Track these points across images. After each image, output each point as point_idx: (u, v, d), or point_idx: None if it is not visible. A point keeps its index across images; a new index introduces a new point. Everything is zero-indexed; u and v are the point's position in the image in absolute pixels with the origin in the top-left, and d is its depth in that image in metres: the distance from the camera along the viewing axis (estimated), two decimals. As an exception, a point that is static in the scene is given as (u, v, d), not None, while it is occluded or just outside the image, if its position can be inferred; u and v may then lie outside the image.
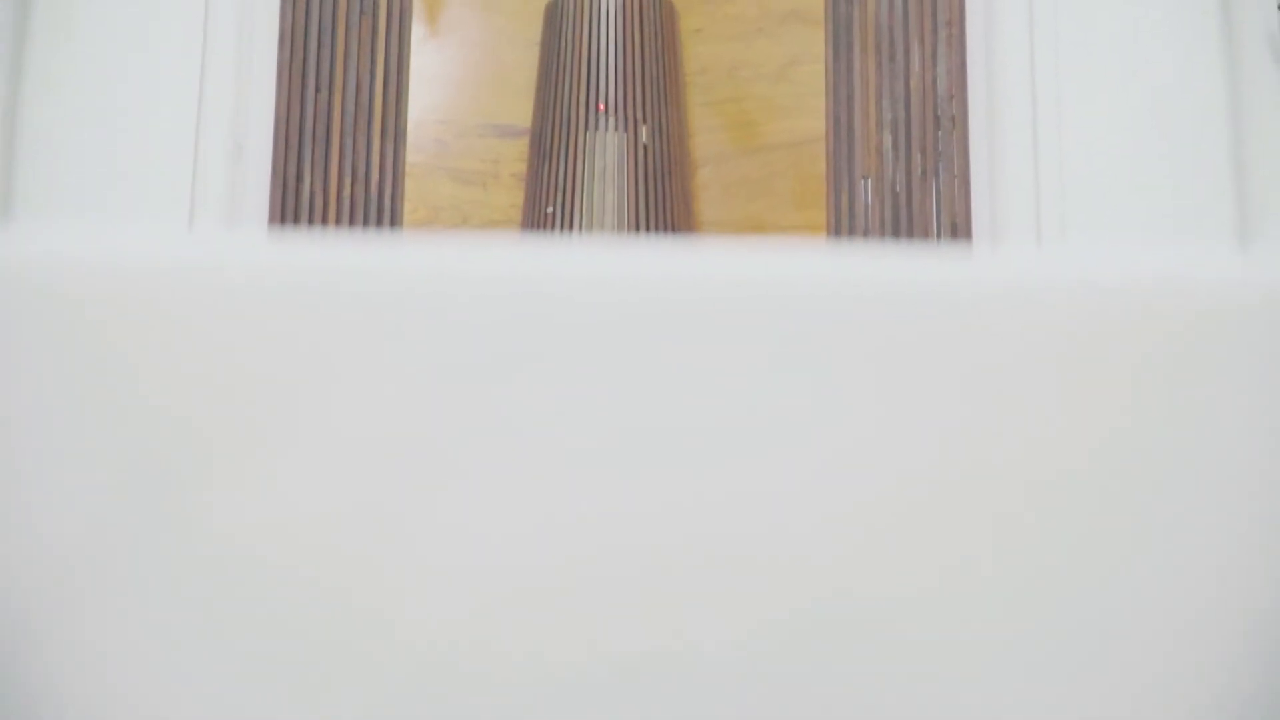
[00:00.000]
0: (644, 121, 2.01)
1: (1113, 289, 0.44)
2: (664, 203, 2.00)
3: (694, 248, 0.43)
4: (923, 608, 0.43)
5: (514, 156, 2.13)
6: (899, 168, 1.97)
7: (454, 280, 0.43)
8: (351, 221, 2.00)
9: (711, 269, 0.43)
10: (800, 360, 0.42)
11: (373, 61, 2.05)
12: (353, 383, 0.42)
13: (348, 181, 2.00)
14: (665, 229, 1.99)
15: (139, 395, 0.43)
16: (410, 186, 2.06)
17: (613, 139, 1.99)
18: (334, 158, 1.99)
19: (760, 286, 0.43)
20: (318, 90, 1.99)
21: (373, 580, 0.42)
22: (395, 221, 2.03)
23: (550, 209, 1.97)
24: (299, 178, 1.96)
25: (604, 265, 0.43)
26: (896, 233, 1.95)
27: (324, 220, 1.97)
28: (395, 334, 0.42)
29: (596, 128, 1.99)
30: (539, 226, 1.99)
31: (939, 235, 1.92)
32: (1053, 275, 0.44)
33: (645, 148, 2.00)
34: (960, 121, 1.92)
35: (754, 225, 2.10)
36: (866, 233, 1.98)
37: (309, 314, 0.42)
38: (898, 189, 1.97)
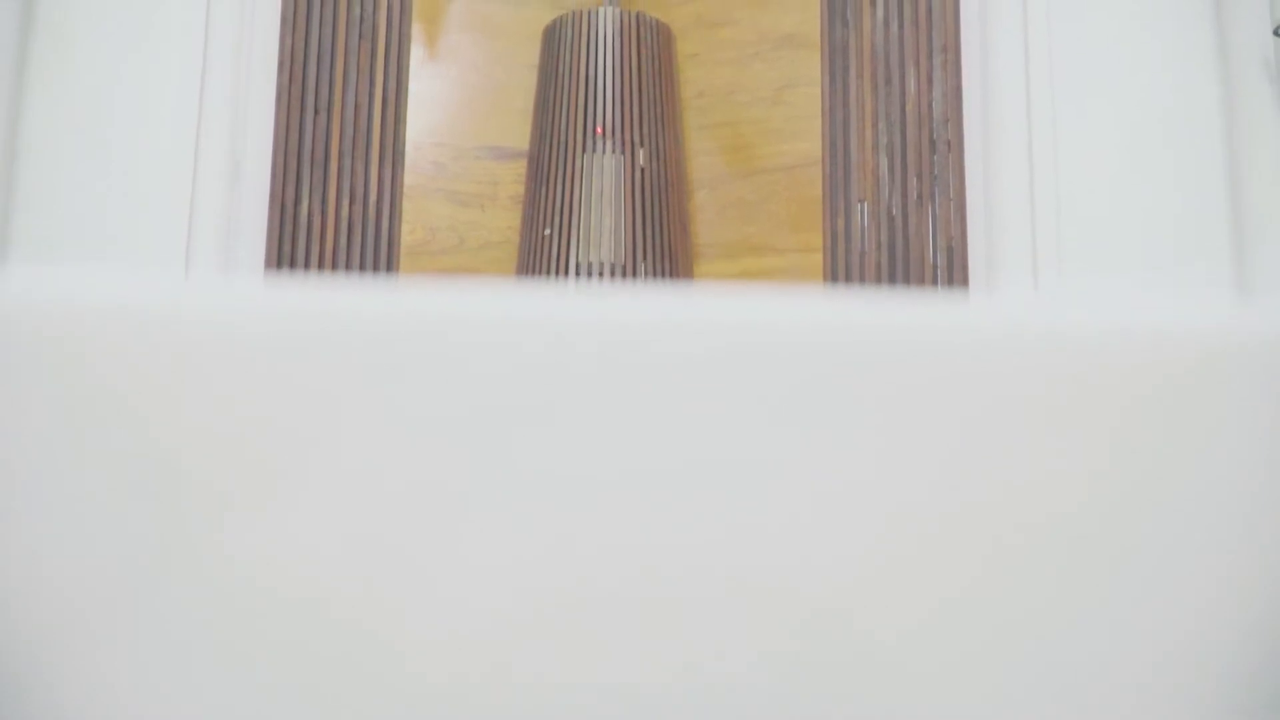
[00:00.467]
0: (641, 144, 2.02)
1: (1104, 336, 0.46)
2: (661, 225, 2.00)
3: (698, 293, 0.44)
4: (919, 635, 0.44)
5: (511, 178, 2.14)
6: (895, 191, 1.98)
7: (460, 325, 0.43)
8: (349, 242, 2.00)
9: (715, 314, 0.44)
10: (802, 402, 0.43)
11: (371, 84, 2.05)
12: (361, 425, 0.42)
13: (346, 203, 2.01)
14: (662, 251, 1.99)
15: (148, 440, 0.43)
16: (407, 208, 2.07)
17: (610, 161, 2.00)
18: (332, 179, 2.00)
19: (764, 332, 0.44)
20: (316, 113, 2.00)
21: (384, 612, 0.43)
22: (392, 242, 2.04)
23: (547, 231, 1.98)
24: (297, 199, 1.97)
25: (609, 311, 0.44)
26: (892, 255, 1.96)
27: (321, 241, 1.98)
28: (401, 377, 0.42)
29: (594, 150, 2.00)
30: (536, 248, 2.00)
31: (935, 258, 1.93)
32: (1046, 322, 0.46)
33: (642, 170, 2.01)
34: (956, 145, 1.93)
35: (750, 248, 2.11)
36: (862, 255, 1.99)
37: (315, 359, 0.43)
38: (894, 212, 1.98)
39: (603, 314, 0.44)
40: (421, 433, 0.43)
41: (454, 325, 0.44)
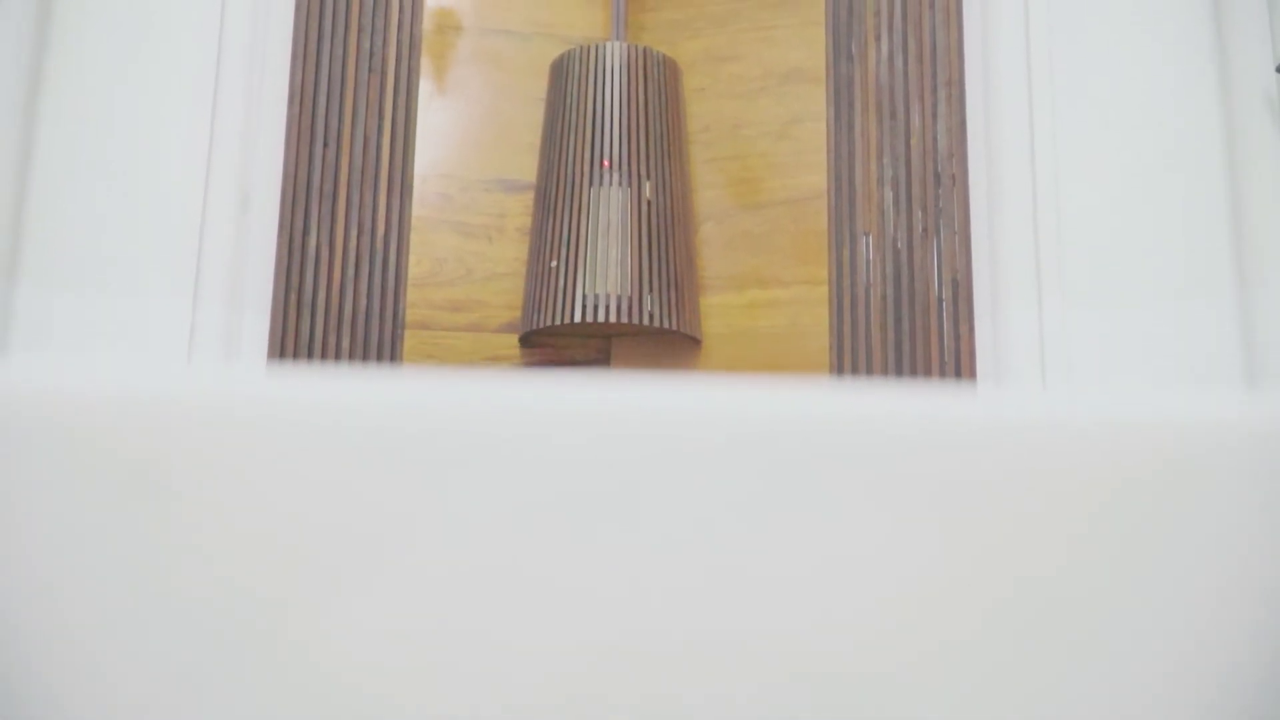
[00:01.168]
0: (648, 177, 2.03)
1: (1097, 428, 0.49)
2: (667, 258, 2.01)
3: (720, 387, 0.47)
4: (914, 690, 0.48)
5: (518, 210, 2.15)
6: (900, 224, 1.99)
7: (511, 418, 0.45)
8: (357, 273, 2.01)
9: (736, 406, 0.47)
10: (813, 485, 0.47)
11: (380, 118, 2.07)
12: (432, 520, 0.43)
13: (354, 234, 2.02)
14: (668, 283, 2.00)
15: (203, 549, 0.42)
16: (415, 239, 2.08)
17: (617, 194, 2.01)
18: (340, 211, 2.02)
19: (780, 422, 0.47)
20: (325, 145, 2.02)
21: (471, 701, 0.44)
22: (400, 273, 2.05)
23: (554, 263, 1.99)
24: (305, 231, 1.98)
25: (647, 404, 0.47)
26: (897, 288, 1.97)
27: (329, 271, 1.99)
28: (462, 472, 0.44)
29: (601, 183, 2.01)
30: (543, 280, 2.01)
31: (939, 290, 1.93)
32: (1042, 415, 0.50)
33: (649, 203, 2.02)
34: (960, 179, 1.94)
35: (756, 280, 2.12)
36: (868, 288, 2.00)
37: (370, 454, 0.43)
38: (899, 245, 1.98)
39: (639, 407, 0.47)
40: (480, 526, 0.44)
41: (504, 420, 0.46)
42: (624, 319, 1.95)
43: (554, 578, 0.44)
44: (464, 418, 0.44)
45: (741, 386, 0.47)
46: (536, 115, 2.18)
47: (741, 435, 0.46)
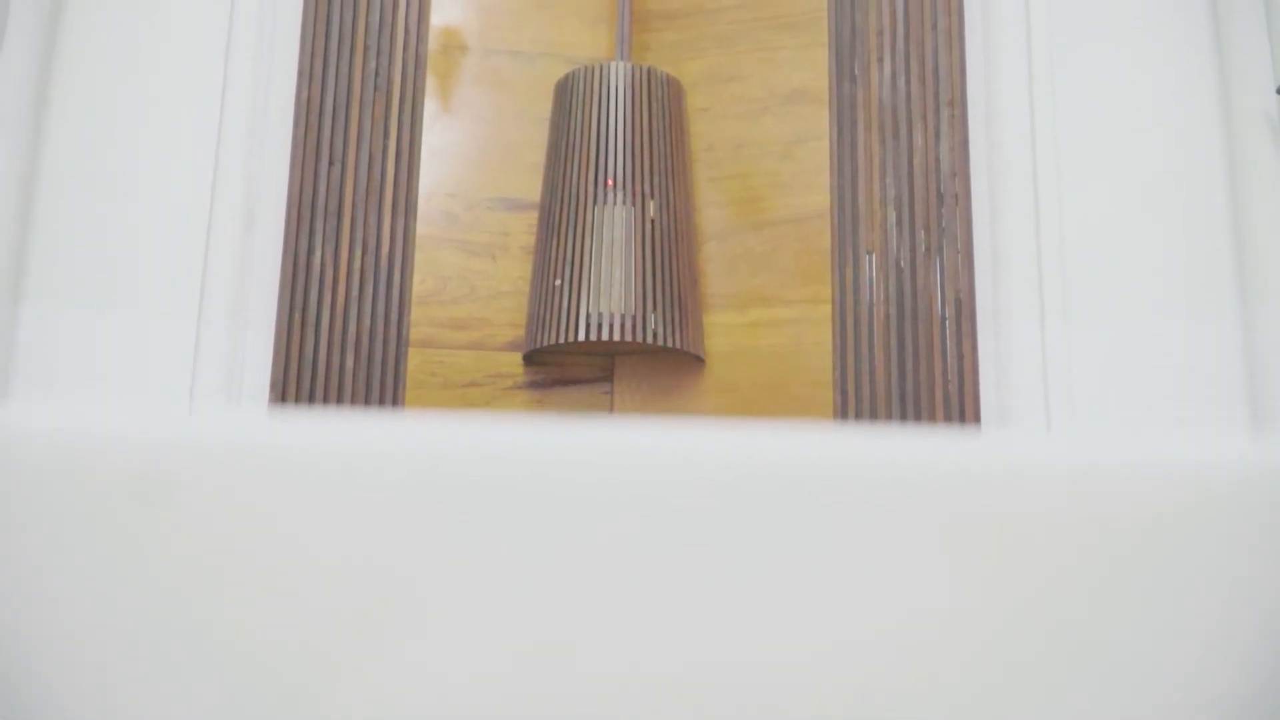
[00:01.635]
0: (652, 197, 2.04)
1: (1093, 474, 0.50)
2: (671, 276, 2.02)
3: (721, 432, 0.48)
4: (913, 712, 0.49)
5: (523, 229, 2.16)
6: (903, 243, 2.00)
7: (550, 461, 0.46)
8: (361, 292, 2.02)
9: (738, 450, 0.48)
10: (820, 525, 0.48)
11: (385, 137, 2.08)
12: (457, 565, 0.44)
13: (358, 253, 2.03)
14: (672, 302, 2.01)
15: (244, 595, 0.42)
16: (419, 258, 2.09)
17: (620, 213, 2.02)
18: (345, 230, 2.02)
19: (781, 466, 0.49)
20: (331, 164, 2.03)
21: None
22: (404, 292, 2.05)
23: (558, 281, 2.00)
24: (310, 249, 1.99)
25: (663, 447, 0.48)
26: (900, 307, 1.97)
27: (334, 290, 2.00)
28: (494, 513, 0.44)
29: (605, 202, 2.02)
30: (547, 299, 2.01)
31: (942, 309, 1.94)
32: (1040, 458, 0.51)
33: (653, 222, 2.03)
34: (963, 198, 1.95)
35: (759, 299, 2.12)
36: (871, 307, 2.00)
37: (401, 500, 0.43)
38: (902, 264, 1.99)
39: (665, 450, 0.48)
40: (507, 565, 0.45)
41: (530, 464, 0.47)
42: (628, 337, 1.95)
43: (576, 614, 0.44)
44: (490, 464, 0.45)
45: (760, 430, 0.47)
46: (541, 135, 2.19)
47: (762, 477, 0.46)
